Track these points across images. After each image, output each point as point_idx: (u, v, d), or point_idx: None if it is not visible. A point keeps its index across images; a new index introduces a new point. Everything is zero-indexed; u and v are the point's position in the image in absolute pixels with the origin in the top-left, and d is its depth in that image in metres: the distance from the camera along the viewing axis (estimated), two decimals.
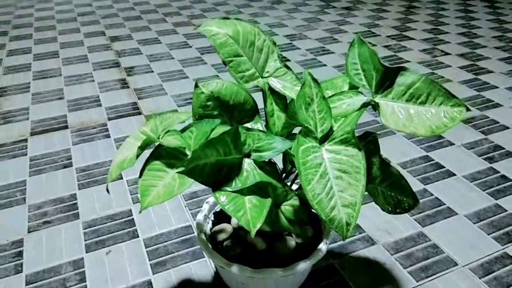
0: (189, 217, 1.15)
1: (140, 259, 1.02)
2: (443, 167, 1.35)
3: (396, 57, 2.20)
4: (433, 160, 1.39)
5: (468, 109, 0.65)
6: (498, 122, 1.60)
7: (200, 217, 0.89)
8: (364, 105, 0.64)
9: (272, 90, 0.72)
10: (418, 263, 1.01)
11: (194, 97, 0.69)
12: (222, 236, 0.87)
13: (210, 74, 1.99)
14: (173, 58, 2.20)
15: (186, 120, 0.72)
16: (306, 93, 0.61)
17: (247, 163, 0.67)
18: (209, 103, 0.69)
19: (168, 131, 0.71)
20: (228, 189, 0.65)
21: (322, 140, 0.61)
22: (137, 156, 0.69)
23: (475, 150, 1.43)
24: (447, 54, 2.24)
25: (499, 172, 1.32)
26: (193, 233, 1.10)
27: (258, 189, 0.67)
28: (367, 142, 0.64)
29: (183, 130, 0.71)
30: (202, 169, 0.63)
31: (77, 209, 1.19)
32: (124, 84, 1.92)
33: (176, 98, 1.78)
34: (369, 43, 2.38)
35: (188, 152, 0.69)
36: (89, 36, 2.57)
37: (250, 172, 0.66)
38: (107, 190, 0.71)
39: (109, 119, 1.64)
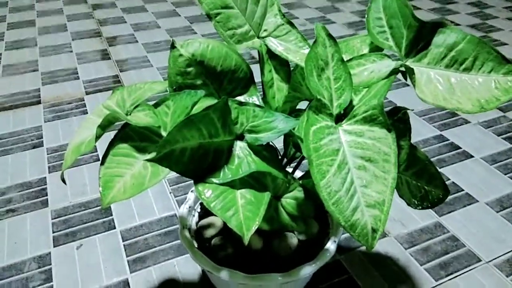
0: (174, 205, 1.01)
1: (116, 255, 0.88)
2: (459, 147, 1.21)
3: None
4: (448, 139, 1.24)
5: None
6: None
7: (183, 209, 0.74)
8: (394, 72, 0.49)
9: (271, 54, 0.57)
10: (436, 258, 0.88)
11: (171, 62, 0.54)
12: (210, 233, 0.72)
13: None
14: (159, 27, 2.01)
15: (161, 91, 0.57)
16: (318, 54, 0.46)
17: (240, 148, 0.52)
18: (189, 69, 0.53)
19: (138, 106, 0.56)
20: (215, 180, 0.50)
21: (339, 118, 0.46)
22: (97, 137, 0.54)
23: (494, 129, 1.29)
24: (457, 24, 2.08)
25: None
26: (178, 222, 0.95)
27: (254, 180, 0.52)
28: (395, 120, 0.50)
29: (157, 105, 0.55)
30: (180, 155, 0.48)
31: (46, 195, 1.04)
32: (105, 55, 1.74)
33: (162, 70, 1.61)
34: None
35: (164, 133, 0.54)
36: (69, 3, 2.37)
37: (243, 159, 0.51)
38: (63, 180, 0.57)
39: (87, 93, 1.48)
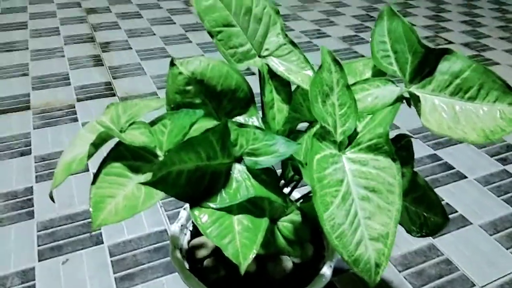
0: (164, 220, 0.98)
1: (103, 271, 0.85)
2: (453, 167, 1.21)
3: None
4: (442, 159, 1.24)
5: None
6: None
7: (175, 228, 0.72)
8: (399, 99, 0.48)
9: (273, 74, 0.55)
10: (430, 282, 0.87)
11: (169, 80, 0.52)
12: (202, 253, 0.70)
13: (195, 54, 1.80)
14: (154, 34, 2.00)
15: (158, 109, 0.55)
16: (324, 80, 0.44)
17: (238, 171, 0.50)
18: (189, 87, 0.52)
19: (133, 123, 0.54)
20: (212, 205, 0.48)
21: (343, 145, 0.45)
22: (89, 156, 0.51)
23: (486, 150, 1.29)
24: (450, 42, 2.09)
25: None
26: (168, 239, 0.93)
27: (251, 205, 0.50)
28: (399, 148, 0.48)
29: (153, 123, 0.53)
30: (176, 178, 0.46)
31: (32, 206, 1.01)
32: (97, 61, 1.72)
33: (156, 79, 1.59)
34: (367, 27, 2.21)
35: (159, 153, 0.52)
36: (62, 7, 2.34)
37: (241, 183, 0.49)
38: (51, 198, 0.54)
39: (78, 100, 1.45)
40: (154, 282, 0.84)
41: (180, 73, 0.51)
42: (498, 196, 1.11)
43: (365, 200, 0.42)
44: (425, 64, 0.51)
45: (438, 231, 0.60)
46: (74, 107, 1.41)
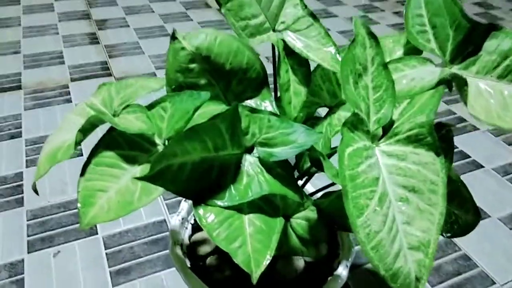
0: (164, 210, 0.92)
1: (97, 265, 0.79)
2: (469, 156, 1.14)
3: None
4: (457, 147, 1.17)
5: None
6: None
7: (175, 222, 0.66)
8: (442, 82, 0.41)
9: (289, 51, 0.48)
10: (448, 279, 0.81)
11: (170, 56, 0.44)
12: (205, 249, 0.64)
13: None
14: (153, 11, 1.90)
15: (157, 90, 0.48)
16: (356, 57, 0.37)
17: (249, 163, 0.43)
18: (192, 65, 0.44)
19: (128, 106, 0.47)
20: (219, 203, 0.41)
21: (376, 136, 0.38)
22: (77, 143, 0.44)
23: (504, 138, 1.22)
24: None
25: None
26: (168, 230, 0.87)
27: (264, 202, 0.44)
28: (438, 139, 0.42)
29: (151, 106, 0.46)
30: (177, 171, 0.39)
31: (22, 193, 0.95)
32: (93, 39, 1.63)
33: (155, 58, 1.51)
34: (375, 7, 2.11)
35: (158, 141, 0.45)
36: None
37: (253, 177, 0.42)
38: (35, 191, 0.47)
39: (72, 80, 1.37)
40: (152, 277, 0.78)
41: (183, 48, 0.44)
42: None
43: (404, 202, 0.35)
44: (469, 41, 0.44)
45: (470, 230, 0.54)
46: (68, 88, 1.33)
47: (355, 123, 0.36)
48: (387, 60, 0.49)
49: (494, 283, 0.81)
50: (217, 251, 0.64)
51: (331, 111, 0.50)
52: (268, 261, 0.40)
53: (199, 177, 0.41)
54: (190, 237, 0.67)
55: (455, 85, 0.42)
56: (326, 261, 0.64)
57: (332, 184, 0.56)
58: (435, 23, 0.45)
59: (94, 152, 0.46)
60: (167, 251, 0.83)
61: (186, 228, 0.68)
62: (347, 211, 0.32)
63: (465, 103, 0.41)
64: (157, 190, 0.42)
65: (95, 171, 0.45)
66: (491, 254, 0.87)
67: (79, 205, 0.44)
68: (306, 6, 0.49)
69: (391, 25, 1.90)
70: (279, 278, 0.60)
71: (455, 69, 0.44)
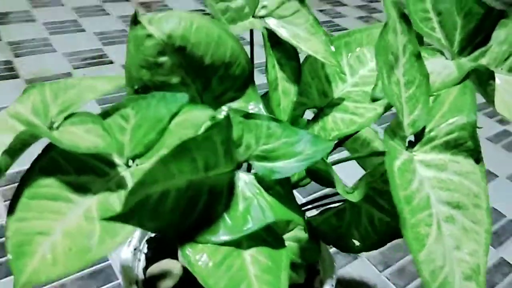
0: None
1: None
2: None
3: (332, 23, 1.96)
4: None
5: None
6: None
7: (126, 253, 0.54)
8: (467, 76, 0.35)
9: (275, 41, 0.39)
10: (413, 280, 0.79)
11: (131, 46, 0.33)
12: (165, 285, 0.53)
13: (116, 28, 1.54)
14: (62, 5, 1.68)
15: (109, 93, 0.36)
16: (389, 45, 0.30)
17: (244, 183, 0.34)
18: (162, 59, 0.34)
19: (72, 115, 0.35)
20: (213, 238, 0.31)
21: (409, 142, 0.31)
22: (2, 170, 0.32)
23: (504, 144, 1.23)
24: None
25: None
26: (109, 259, 0.73)
27: (264, 230, 0.35)
28: None
29: (106, 115, 0.34)
30: (158, 203, 0.29)
31: None
32: None
33: (70, 57, 1.32)
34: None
35: (118, 160, 0.34)
36: None
37: (251, 201, 0.33)
38: None
39: None
40: None
41: (149, 36, 0.33)
42: None
43: (450, 222, 0.29)
44: (480, 30, 0.39)
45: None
46: None
47: (394, 128, 0.29)
48: None
49: None
50: (180, 285, 0.54)
51: (322, 112, 0.43)
52: None
53: (185, 207, 0.31)
54: (144, 270, 0.56)
55: (473, 80, 0.37)
56: (306, 282, 0.57)
57: (321, 198, 0.48)
58: (440, 9, 0.39)
59: (26, 181, 0.33)
60: (111, 284, 0.69)
61: (139, 259, 0.56)
62: (407, 244, 0.25)
63: (489, 101, 0.35)
64: (124, 229, 0.31)
65: (30, 206, 0.33)
66: None
67: (9, 256, 0.31)
68: None
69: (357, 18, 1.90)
70: None
71: (464, 62, 0.39)
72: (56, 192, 0.33)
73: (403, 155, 0.28)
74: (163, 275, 0.54)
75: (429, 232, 0.26)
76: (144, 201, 0.28)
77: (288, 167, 0.34)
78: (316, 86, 0.43)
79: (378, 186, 0.38)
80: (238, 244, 0.33)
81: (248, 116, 0.33)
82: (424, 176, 0.29)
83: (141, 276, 0.55)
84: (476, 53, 0.40)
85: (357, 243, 0.41)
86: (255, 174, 0.35)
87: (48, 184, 0.33)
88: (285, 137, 0.34)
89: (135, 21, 0.33)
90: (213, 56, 0.35)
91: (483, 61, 0.39)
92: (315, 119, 0.43)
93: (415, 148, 0.31)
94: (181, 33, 0.33)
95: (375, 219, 0.40)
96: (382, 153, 0.33)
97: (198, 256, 0.31)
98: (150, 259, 0.57)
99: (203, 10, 1.82)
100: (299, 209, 0.37)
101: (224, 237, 0.32)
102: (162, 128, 0.33)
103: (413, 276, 0.80)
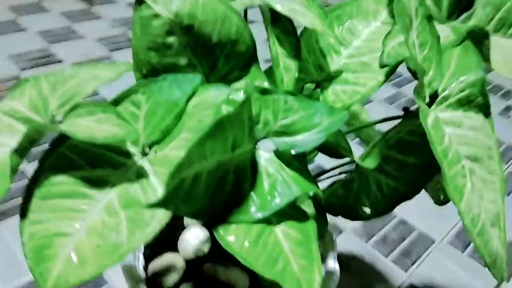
0: None
1: None
2: None
3: None
4: None
5: None
6: None
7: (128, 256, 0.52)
8: (467, 37, 0.37)
9: (273, 17, 0.39)
10: (396, 247, 0.83)
11: (137, 28, 0.32)
12: (171, 279, 0.52)
13: (60, 25, 1.46)
14: None
15: (113, 80, 0.34)
16: (405, 7, 0.30)
17: (265, 159, 0.34)
18: (171, 39, 0.32)
19: (77, 106, 0.32)
20: (245, 217, 0.31)
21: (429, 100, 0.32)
22: (14, 171, 0.29)
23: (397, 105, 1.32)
24: None
25: None
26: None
27: (290, 206, 0.35)
28: None
29: (116, 102, 0.33)
30: (191, 187, 0.28)
31: None
32: None
33: (16, 59, 1.23)
34: None
35: (133, 149, 0.32)
36: None
37: (275, 177, 0.33)
38: None
39: None
40: None
41: (156, 16, 0.31)
42: None
43: (472, 175, 0.31)
44: None
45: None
46: None
47: (419, 90, 0.30)
48: (370, 25, 0.44)
49: (433, 241, 0.86)
50: (185, 278, 0.53)
51: (321, 86, 0.43)
52: (320, 278, 0.32)
53: (215, 189, 0.30)
54: (145, 269, 0.54)
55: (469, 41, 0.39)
56: None
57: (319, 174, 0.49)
58: None
59: (36, 181, 0.31)
60: None
61: (138, 258, 0.54)
62: (448, 195, 0.26)
63: (485, 59, 0.38)
64: (154, 218, 0.30)
65: (44, 207, 0.31)
66: (421, 215, 0.91)
67: (29, 262, 0.29)
68: None
69: None
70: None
71: (453, 25, 0.41)
72: (71, 188, 0.31)
73: (433, 113, 0.29)
74: (165, 270, 0.53)
75: (465, 183, 0.28)
76: (179, 185, 0.27)
77: (307, 139, 0.34)
78: (313, 61, 0.44)
79: (385, 153, 0.39)
80: (268, 221, 0.33)
81: (265, 91, 0.33)
82: (447, 133, 0.31)
83: (142, 274, 0.53)
84: (463, 17, 0.42)
85: (367, 210, 0.42)
86: (275, 151, 0.34)
87: (61, 182, 0.31)
88: (302, 110, 0.34)
89: (139, 1, 0.31)
90: (220, 34, 0.34)
91: (470, 24, 0.42)
92: (315, 93, 0.44)
93: (432, 107, 0.33)
94: (188, 11, 0.32)
95: (383, 185, 0.41)
96: (373, 123, 0.34)
97: (232, 237, 0.31)
98: (148, 257, 0.55)
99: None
100: (316, 183, 0.37)
101: (257, 215, 0.31)
102: (179, 112, 0.32)
103: (396, 243, 0.84)
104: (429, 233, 0.87)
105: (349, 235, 0.84)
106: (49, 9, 1.57)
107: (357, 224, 0.86)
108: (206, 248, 0.54)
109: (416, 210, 0.92)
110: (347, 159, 0.42)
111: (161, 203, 0.26)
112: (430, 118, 0.29)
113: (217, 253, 0.55)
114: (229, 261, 0.52)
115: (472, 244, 0.86)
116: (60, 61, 1.25)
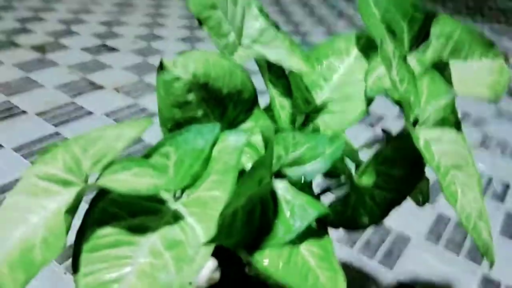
0: None
1: None
2: None
3: None
4: None
5: (506, 59, 0.52)
6: None
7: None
8: (434, 66, 0.44)
9: (268, 65, 0.45)
10: (378, 248, 0.89)
11: (161, 90, 0.36)
12: None
13: (17, 77, 1.44)
14: None
15: (137, 139, 0.38)
16: (386, 52, 0.37)
17: (281, 189, 0.39)
18: (190, 96, 0.37)
19: (112, 164, 0.36)
20: (275, 242, 0.35)
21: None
22: (67, 229, 0.32)
23: None
24: None
25: None
26: None
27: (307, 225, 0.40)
28: None
29: (145, 157, 0.36)
30: (231, 221, 0.32)
31: None
32: None
33: None
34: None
35: (167, 196, 0.36)
36: None
37: (293, 203, 0.38)
38: None
39: None
40: None
41: (177, 78, 0.36)
42: None
43: (458, 180, 0.37)
44: (421, 30, 0.49)
45: (428, 194, 0.60)
46: None
47: (407, 116, 0.36)
48: (344, 61, 0.51)
49: (410, 239, 0.93)
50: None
51: (310, 117, 0.49)
52: (344, 286, 0.36)
53: (247, 220, 0.35)
54: None
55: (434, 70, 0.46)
56: None
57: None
58: (387, 18, 0.48)
59: (82, 236, 0.34)
60: None
61: None
62: (448, 201, 0.32)
63: (449, 83, 0.45)
64: (198, 253, 0.34)
65: (94, 259, 0.33)
66: (396, 217, 0.99)
67: None
68: (267, 16, 0.46)
69: None
70: None
71: (414, 56, 0.49)
72: (116, 238, 0.34)
73: (421, 136, 0.36)
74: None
75: (456, 189, 0.34)
76: (223, 222, 0.31)
77: (316, 167, 0.39)
78: (300, 96, 0.49)
79: (377, 168, 0.45)
80: (293, 242, 0.37)
81: (276, 131, 0.38)
82: (434, 150, 0.37)
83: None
84: (421, 48, 0.49)
85: (365, 220, 0.48)
86: (288, 179, 0.39)
87: (106, 234, 0.34)
88: (308, 142, 0.39)
89: (161, 66, 0.35)
90: (229, 86, 0.39)
91: (429, 53, 0.49)
92: (306, 123, 0.49)
93: (417, 128, 0.39)
94: (203, 71, 0.37)
95: (376, 196, 0.47)
96: (362, 147, 0.40)
97: (267, 260, 0.35)
98: None
99: (104, 45, 1.78)
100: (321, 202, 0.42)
101: (284, 238, 0.36)
102: (205, 158, 0.36)
103: (378, 244, 0.90)
104: (405, 232, 0.95)
105: (335, 244, 0.89)
106: (2, 62, 1.55)
107: (341, 233, 0.92)
108: (217, 276, 0.57)
109: (391, 213, 0.99)
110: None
111: (214, 240, 0.30)
112: (422, 140, 0.35)
113: (226, 281, 0.59)
114: (239, 287, 0.56)
115: (444, 237, 0.94)
116: (24, 112, 1.24)
